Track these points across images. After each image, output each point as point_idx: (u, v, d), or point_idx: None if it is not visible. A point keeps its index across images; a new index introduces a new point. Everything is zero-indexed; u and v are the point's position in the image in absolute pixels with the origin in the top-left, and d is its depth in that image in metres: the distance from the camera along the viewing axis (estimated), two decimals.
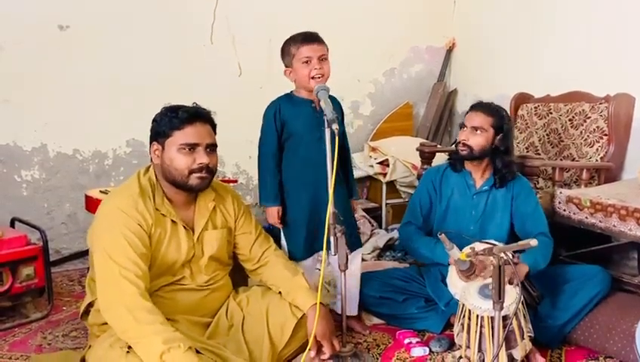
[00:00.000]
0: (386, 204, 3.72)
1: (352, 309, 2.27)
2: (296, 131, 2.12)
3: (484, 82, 4.01)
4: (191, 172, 1.79)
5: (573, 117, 3.16)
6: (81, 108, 3.20)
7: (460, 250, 1.90)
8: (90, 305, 1.87)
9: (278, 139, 2.13)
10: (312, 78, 2.04)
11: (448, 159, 2.40)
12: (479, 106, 2.30)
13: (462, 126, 2.30)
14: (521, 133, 3.46)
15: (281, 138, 2.13)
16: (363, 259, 3.15)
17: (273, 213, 2.16)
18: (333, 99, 2.14)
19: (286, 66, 2.13)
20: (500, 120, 2.25)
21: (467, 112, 2.32)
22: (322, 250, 1.87)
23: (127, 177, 1.95)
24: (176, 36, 3.40)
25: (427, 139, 4.06)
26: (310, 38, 2.07)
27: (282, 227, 2.19)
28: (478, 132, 2.23)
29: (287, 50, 2.10)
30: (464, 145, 2.25)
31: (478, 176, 2.33)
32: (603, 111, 3.01)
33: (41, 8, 3.05)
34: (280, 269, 2.02)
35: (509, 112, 3.38)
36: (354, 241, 2.22)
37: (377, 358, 2.08)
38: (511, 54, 3.80)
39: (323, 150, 2.04)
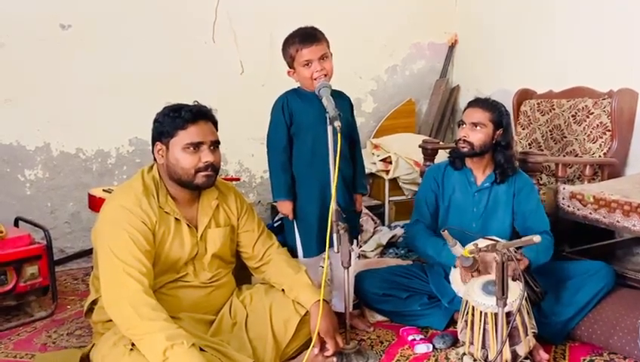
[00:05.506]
0: (389, 201, 3.72)
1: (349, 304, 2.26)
2: (304, 123, 2.11)
3: (486, 78, 4.01)
4: (197, 171, 1.80)
5: (576, 113, 3.15)
6: (83, 107, 3.21)
7: (463, 247, 1.90)
8: (94, 302, 1.88)
9: (288, 132, 2.12)
10: (315, 79, 2.04)
11: (448, 157, 2.39)
12: (477, 102, 2.29)
13: (460, 123, 2.29)
14: (523, 129, 3.45)
15: (290, 131, 2.12)
16: (365, 257, 3.17)
17: (287, 207, 2.15)
18: (339, 93, 2.15)
19: (288, 66, 2.12)
20: (499, 115, 2.25)
21: (465, 109, 2.32)
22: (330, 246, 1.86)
23: (130, 176, 1.96)
24: (179, 35, 3.41)
25: (430, 135, 4.06)
26: (308, 39, 2.04)
27: (295, 220, 2.18)
28: (478, 128, 2.22)
29: (286, 52, 2.09)
30: (464, 141, 2.24)
31: (480, 172, 2.32)
32: (606, 107, 3.00)
33: (42, 8, 3.06)
34: (283, 267, 2.02)
35: (511, 108, 3.41)
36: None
37: (381, 355, 2.08)
38: (513, 50, 3.79)
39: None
